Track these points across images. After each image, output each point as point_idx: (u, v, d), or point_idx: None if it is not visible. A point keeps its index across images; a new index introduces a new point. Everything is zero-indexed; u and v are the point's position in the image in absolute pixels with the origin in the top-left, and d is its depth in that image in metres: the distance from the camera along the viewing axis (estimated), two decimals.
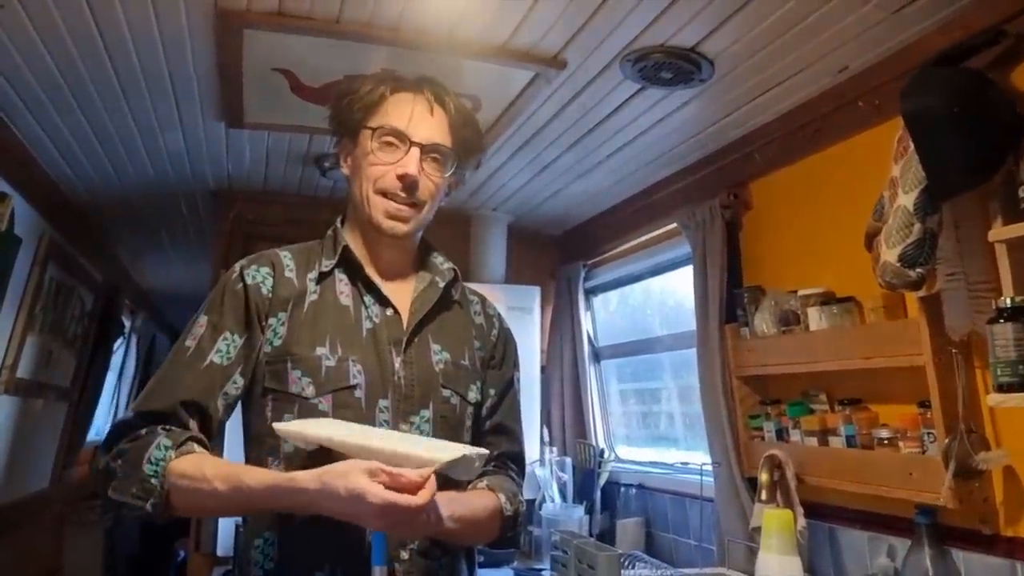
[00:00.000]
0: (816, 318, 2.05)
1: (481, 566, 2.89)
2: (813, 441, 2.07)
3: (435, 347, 1.37)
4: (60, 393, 3.48)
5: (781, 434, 2.20)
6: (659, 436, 3.34)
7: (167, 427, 1.22)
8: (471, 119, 1.45)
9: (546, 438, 3.41)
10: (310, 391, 1.28)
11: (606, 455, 3.27)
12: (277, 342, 1.31)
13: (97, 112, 2.31)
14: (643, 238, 3.12)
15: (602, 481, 3.18)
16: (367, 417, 1.29)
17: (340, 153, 1.44)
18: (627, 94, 2.17)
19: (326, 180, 2.99)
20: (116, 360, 4.48)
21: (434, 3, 1.77)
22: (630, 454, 3.38)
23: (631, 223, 3.14)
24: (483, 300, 1.54)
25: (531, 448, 3.33)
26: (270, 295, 1.32)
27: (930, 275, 1.65)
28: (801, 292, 2.13)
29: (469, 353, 1.42)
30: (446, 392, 1.36)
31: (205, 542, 3.01)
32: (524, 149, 2.64)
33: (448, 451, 1.14)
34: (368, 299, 1.36)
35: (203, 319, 1.32)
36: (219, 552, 2.95)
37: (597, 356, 3.55)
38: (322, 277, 1.37)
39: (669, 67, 1.96)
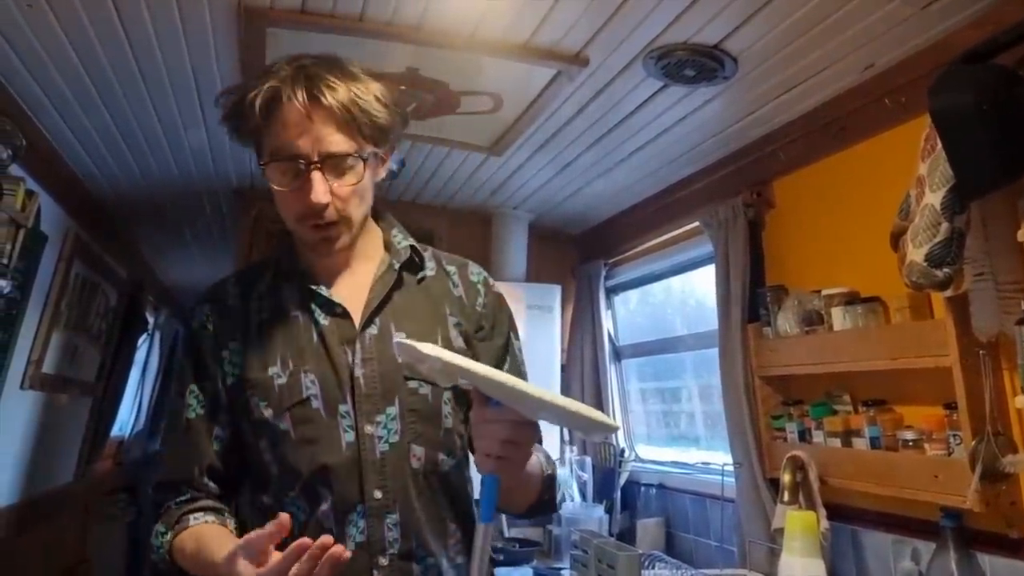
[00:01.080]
0: (840, 318, 2.03)
1: (501, 564, 2.91)
2: (836, 442, 2.05)
3: (398, 335, 1.26)
4: (85, 388, 3.52)
5: (804, 435, 2.18)
6: (679, 435, 3.32)
7: (177, 500, 1.26)
8: (362, 92, 1.21)
9: (566, 437, 3.40)
10: (268, 413, 1.23)
11: (626, 454, 3.26)
12: (236, 372, 1.27)
13: (122, 110, 2.33)
14: (664, 237, 3.10)
15: (622, 480, 3.18)
16: (330, 427, 1.23)
17: (263, 171, 1.27)
18: (649, 92, 2.16)
19: None
20: (140, 356, 4.52)
21: (456, 1, 1.77)
22: (650, 453, 3.36)
23: (652, 222, 3.12)
24: (463, 266, 1.41)
25: (551, 447, 3.32)
26: (213, 331, 1.29)
27: (957, 275, 1.63)
28: (825, 292, 2.11)
29: (443, 332, 1.31)
30: (412, 383, 1.25)
31: None
32: (545, 147, 2.64)
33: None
34: (314, 304, 1.29)
35: (174, 382, 1.34)
36: None
37: (618, 355, 3.54)
38: (270, 292, 1.31)
39: (692, 64, 1.95)
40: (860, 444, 1.98)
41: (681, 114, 2.29)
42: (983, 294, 1.60)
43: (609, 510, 3.11)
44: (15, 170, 2.12)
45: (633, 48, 1.92)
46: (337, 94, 1.19)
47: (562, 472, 3.25)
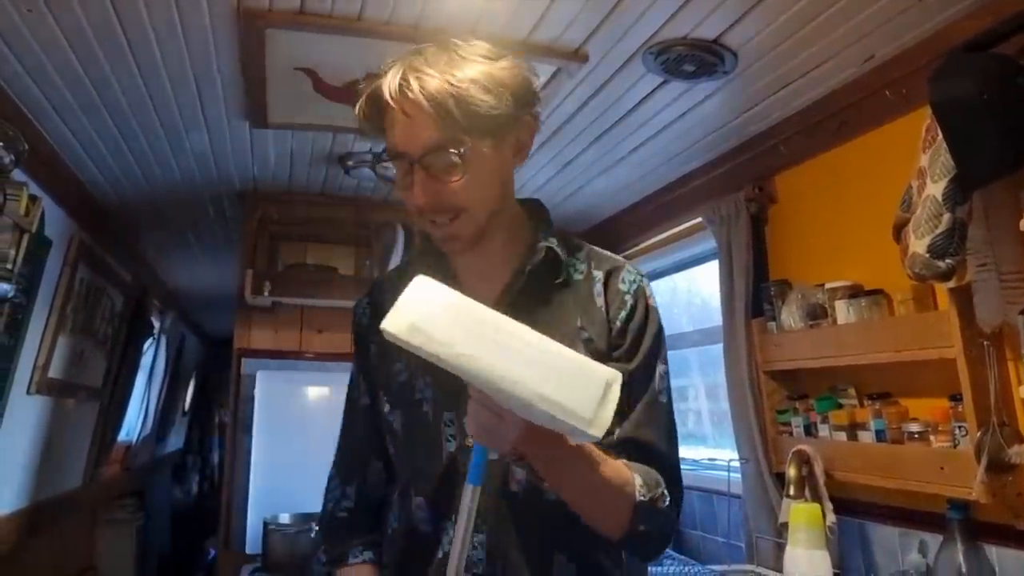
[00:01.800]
0: (844, 311, 2.02)
1: None
2: (842, 436, 2.05)
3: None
4: (91, 393, 3.53)
5: (809, 429, 2.18)
6: (687, 434, 3.32)
7: (336, 514, 1.32)
8: (457, 85, 1.11)
9: None
10: (387, 409, 1.25)
11: None
12: (376, 365, 1.30)
13: (123, 113, 2.34)
14: (667, 233, 3.10)
15: None
16: (435, 433, 1.20)
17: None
18: (650, 87, 2.15)
19: (350, 179, 3.01)
20: (146, 360, 4.53)
21: (454, 0, 1.77)
22: None
23: (655, 218, 3.12)
24: (615, 271, 1.24)
25: None
26: (367, 325, 1.32)
27: (960, 266, 1.62)
28: (828, 285, 2.10)
29: (573, 342, 1.15)
30: None
31: (234, 540, 3.04)
32: (546, 145, 2.64)
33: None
34: None
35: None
36: (248, 550, 2.98)
37: None
38: None
39: (692, 59, 1.94)
40: (866, 437, 1.98)
41: (681, 110, 2.29)
42: (986, 285, 1.59)
43: None
44: (18, 175, 2.13)
45: (632, 44, 1.92)
46: (428, 85, 1.10)
47: None
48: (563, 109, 2.32)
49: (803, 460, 2.10)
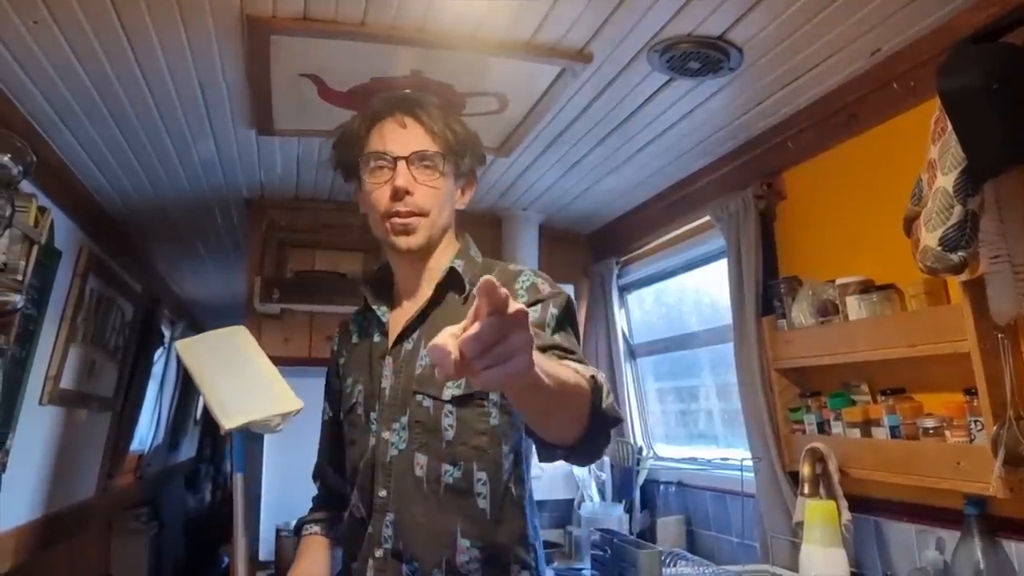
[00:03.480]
0: (855, 307, 2.01)
1: None
2: (856, 433, 2.03)
3: (423, 352, 1.40)
4: (103, 403, 3.54)
5: (822, 427, 2.16)
6: (698, 434, 3.30)
7: (313, 498, 1.69)
8: (450, 119, 1.45)
9: None
10: (340, 417, 1.53)
11: (644, 453, 3.24)
12: (338, 383, 1.59)
13: (131, 123, 2.34)
14: (676, 232, 3.08)
15: (641, 479, 3.16)
16: (365, 431, 1.43)
17: (357, 197, 1.50)
18: (655, 86, 2.15)
19: None
20: (157, 369, 4.54)
21: (458, 2, 1.76)
22: (669, 452, 3.34)
23: (663, 218, 3.11)
24: (512, 280, 1.40)
25: None
26: (338, 346, 1.62)
27: (972, 258, 1.61)
28: (839, 281, 2.09)
29: None
30: (418, 397, 1.37)
31: (247, 548, 3.04)
32: (553, 147, 2.63)
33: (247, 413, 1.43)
34: (377, 324, 1.50)
35: None
36: (261, 557, 2.98)
37: (633, 354, 3.52)
38: (365, 311, 1.56)
39: (697, 57, 1.94)
40: (880, 434, 1.96)
41: (688, 108, 2.28)
42: (1000, 276, 1.58)
43: (629, 509, 3.10)
44: (27, 187, 2.14)
45: (637, 42, 1.92)
46: (430, 110, 1.44)
47: (580, 472, 3.24)
48: (569, 110, 2.32)
49: (817, 458, 2.09)
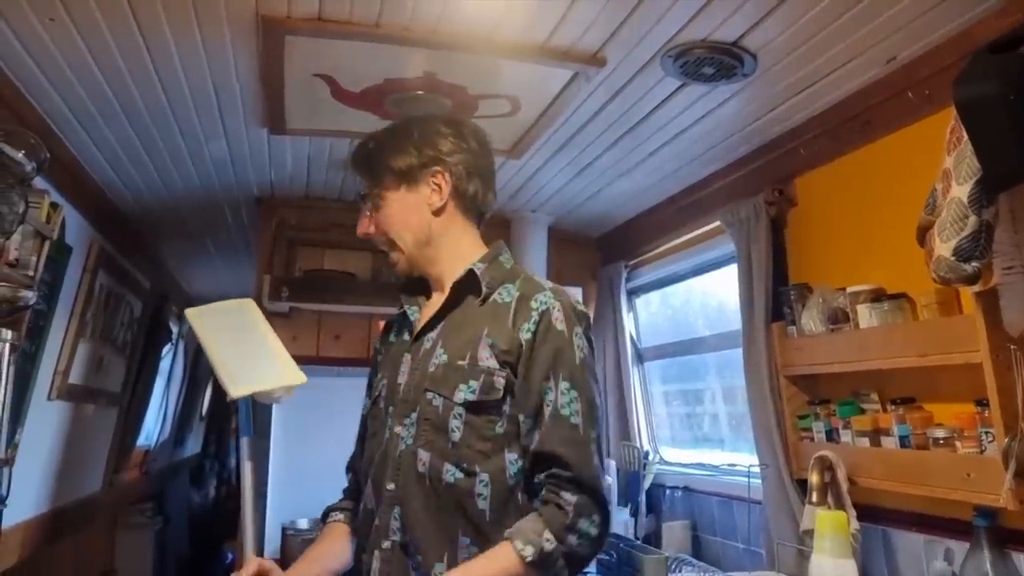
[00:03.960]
0: (866, 315, 2.00)
1: None
2: (865, 442, 2.02)
3: (439, 351, 1.44)
4: (111, 399, 3.55)
5: (831, 435, 2.16)
6: (703, 437, 3.30)
7: (343, 488, 1.68)
8: (380, 145, 1.53)
9: None
10: (368, 408, 1.57)
11: (651, 457, 3.24)
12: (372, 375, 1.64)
13: (143, 122, 2.35)
14: (686, 237, 3.08)
15: (647, 483, 3.15)
16: (383, 424, 1.48)
17: None
18: (668, 91, 2.14)
19: None
20: (164, 366, 4.56)
21: (473, 5, 1.76)
22: (675, 456, 3.34)
23: (673, 222, 3.10)
24: (528, 295, 1.43)
25: None
26: (377, 347, 1.66)
27: (986, 269, 1.59)
28: (850, 289, 2.08)
29: (473, 352, 1.39)
30: (429, 395, 1.40)
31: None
32: (564, 150, 2.63)
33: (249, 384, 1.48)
34: (408, 323, 1.56)
35: None
36: (266, 554, 2.97)
37: (640, 357, 3.52)
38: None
39: (711, 62, 1.93)
40: (889, 443, 1.95)
41: (700, 113, 2.28)
42: (1013, 288, 1.57)
43: (634, 513, 3.09)
44: (40, 183, 2.14)
45: (651, 47, 1.91)
46: (363, 150, 1.55)
47: None
48: (581, 113, 2.31)
49: (825, 466, 2.08)
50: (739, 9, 1.73)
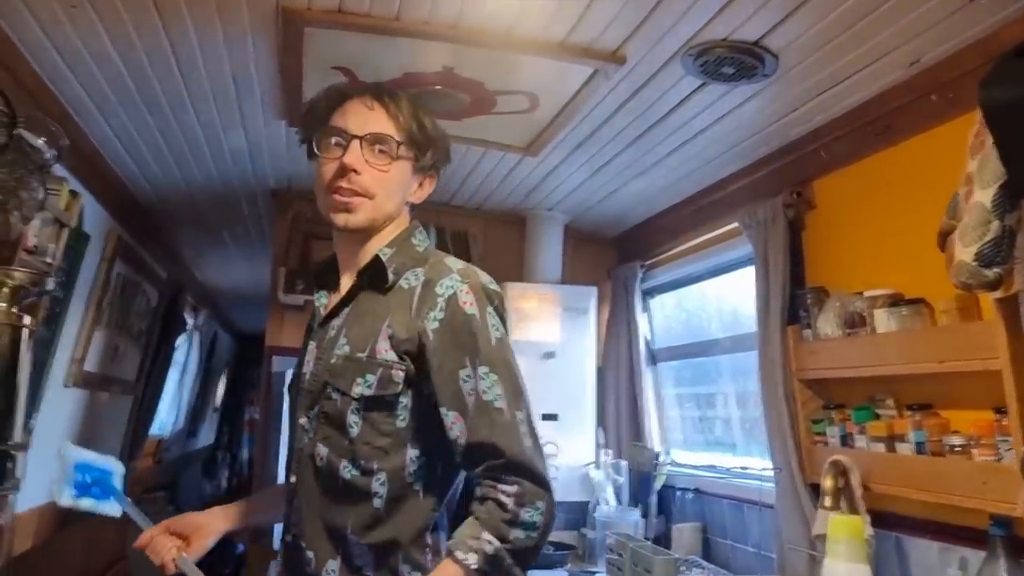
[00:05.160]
0: (884, 320, 1.98)
1: (535, 567, 2.89)
2: (880, 447, 2.00)
3: (341, 341, 1.38)
4: (125, 387, 3.58)
5: (846, 440, 2.14)
6: (714, 441, 3.28)
7: None
8: (419, 112, 1.44)
9: (601, 440, 3.38)
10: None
11: (662, 458, 3.22)
12: None
13: (163, 112, 2.36)
14: (702, 238, 3.06)
15: (658, 484, 3.14)
16: (292, 415, 1.47)
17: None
18: (688, 90, 2.13)
19: None
20: (179, 356, 4.58)
21: (493, 0, 1.76)
22: (686, 458, 3.32)
23: (690, 223, 3.09)
24: (436, 279, 1.37)
25: (586, 450, 3.30)
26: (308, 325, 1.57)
27: (1008, 275, 1.57)
28: (868, 293, 2.06)
29: (373, 344, 1.34)
30: (328, 388, 1.36)
31: (263, 535, 3.06)
32: (581, 147, 2.62)
33: None
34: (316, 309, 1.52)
35: None
36: (276, 546, 2.99)
37: (654, 358, 3.50)
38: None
39: (732, 62, 1.92)
40: (905, 449, 1.93)
41: (720, 113, 2.26)
42: None
43: (645, 514, 3.08)
44: (59, 171, 2.15)
45: (671, 46, 1.90)
46: (399, 98, 1.43)
47: (597, 475, 3.22)
48: (599, 111, 2.30)
49: (839, 471, 2.06)
50: (761, 8, 1.71)
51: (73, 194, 2.23)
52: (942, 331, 1.84)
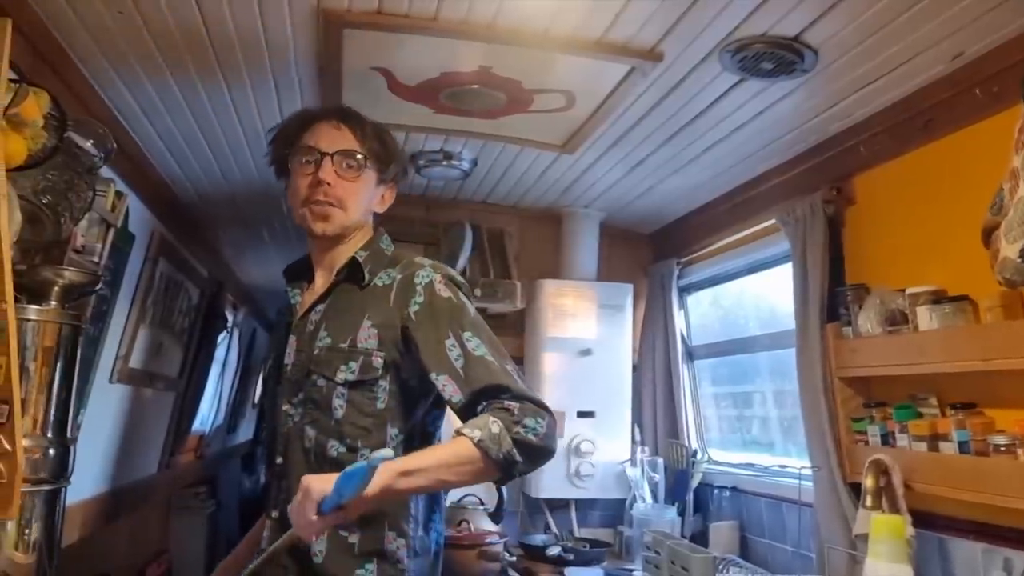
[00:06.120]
0: (926, 317, 1.95)
1: (571, 564, 2.90)
2: (922, 446, 1.98)
3: (322, 334, 1.57)
4: (169, 383, 3.64)
5: (887, 438, 2.11)
6: (751, 441, 3.26)
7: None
8: (381, 132, 1.69)
9: (637, 437, 3.37)
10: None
11: (699, 456, 3.21)
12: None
13: (206, 114, 2.40)
14: (739, 235, 3.04)
15: (695, 482, 3.13)
16: (273, 402, 1.64)
17: (286, 192, 1.72)
18: (725, 86, 2.12)
19: (420, 178, 3.04)
20: (219, 353, 4.65)
21: None
22: (723, 457, 3.31)
23: (727, 220, 3.07)
24: (413, 272, 1.58)
25: (623, 447, 3.30)
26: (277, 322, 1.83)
27: None
28: (910, 290, 2.03)
29: (353, 335, 1.54)
30: (313, 376, 1.55)
31: None
32: (617, 145, 2.62)
33: None
34: (290, 305, 1.72)
35: None
36: None
37: (690, 355, 3.49)
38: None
39: (770, 57, 1.90)
40: (948, 448, 1.91)
41: (758, 109, 2.24)
42: None
43: (681, 512, 3.07)
44: (105, 172, 2.20)
45: (709, 42, 1.89)
46: (362, 120, 1.68)
47: (633, 473, 3.22)
48: (636, 108, 2.30)
49: (880, 470, 2.04)
50: (801, 3, 1.70)
51: (119, 195, 2.28)
52: (986, 329, 1.82)
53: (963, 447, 1.86)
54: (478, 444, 1.37)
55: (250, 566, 1.42)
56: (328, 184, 1.59)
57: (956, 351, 1.85)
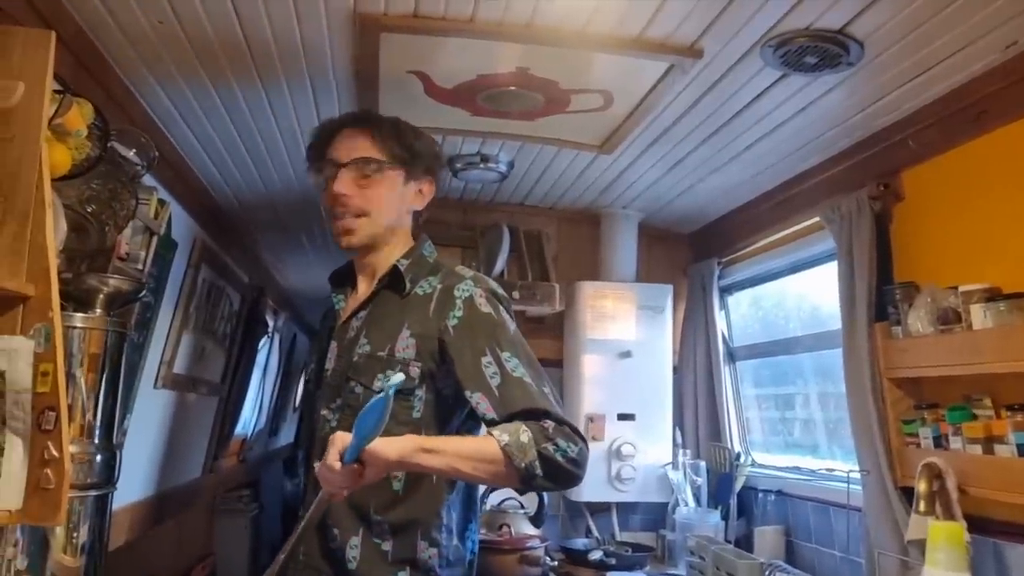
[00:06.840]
0: (980, 316, 1.89)
1: (614, 569, 2.87)
2: (976, 449, 1.92)
3: (362, 341, 1.58)
4: (212, 388, 3.68)
5: (939, 441, 2.05)
6: (794, 444, 3.19)
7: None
8: (400, 130, 1.66)
9: (679, 440, 3.33)
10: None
11: (742, 459, 3.16)
12: None
13: (245, 120, 2.42)
14: (782, 234, 2.99)
15: (738, 486, 3.08)
16: (312, 406, 1.66)
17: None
18: (767, 82, 2.07)
19: (457, 181, 3.03)
20: (260, 358, 4.70)
21: None
22: (766, 460, 3.25)
23: (769, 218, 3.01)
24: (454, 284, 1.57)
25: (664, 450, 3.26)
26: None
27: None
28: (962, 288, 1.97)
29: (392, 344, 1.54)
30: (351, 383, 1.56)
31: None
32: (656, 144, 2.58)
33: None
34: (333, 311, 1.73)
35: None
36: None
37: (732, 356, 3.43)
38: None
39: (814, 51, 1.86)
40: (1004, 451, 1.84)
41: (801, 104, 2.20)
42: None
43: (725, 516, 3.02)
44: (148, 180, 2.23)
45: (750, 37, 1.85)
46: (380, 122, 1.65)
47: (675, 476, 3.18)
48: (675, 107, 2.27)
49: (934, 474, 1.98)
50: None
51: (161, 202, 2.31)
52: None
53: (1020, 450, 1.80)
54: (504, 448, 1.37)
55: (287, 544, 1.45)
56: (346, 195, 1.59)
57: (1012, 350, 1.79)
